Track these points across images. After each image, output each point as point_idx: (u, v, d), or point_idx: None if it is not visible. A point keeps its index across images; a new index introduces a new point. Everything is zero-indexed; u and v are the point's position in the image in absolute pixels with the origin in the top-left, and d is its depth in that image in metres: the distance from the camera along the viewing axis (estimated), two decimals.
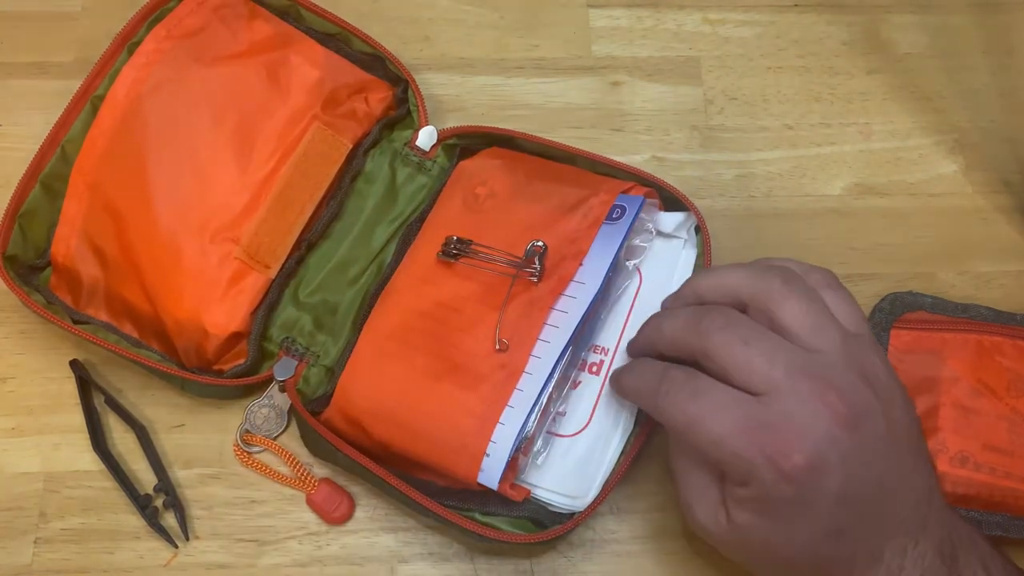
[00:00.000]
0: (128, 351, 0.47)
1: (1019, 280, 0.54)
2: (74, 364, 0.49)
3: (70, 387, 0.48)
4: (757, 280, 0.39)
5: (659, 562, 0.47)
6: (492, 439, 0.42)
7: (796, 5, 0.60)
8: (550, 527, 0.44)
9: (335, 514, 0.46)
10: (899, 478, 0.37)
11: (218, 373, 0.47)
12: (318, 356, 0.48)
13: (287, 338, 0.48)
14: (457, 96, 0.57)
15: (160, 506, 0.47)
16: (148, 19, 0.50)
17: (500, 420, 0.43)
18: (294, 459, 0.47)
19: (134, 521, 0.47)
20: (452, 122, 0.55)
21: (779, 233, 0.54)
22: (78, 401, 0.48)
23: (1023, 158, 0.57)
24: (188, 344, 0.46)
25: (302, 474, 0.47)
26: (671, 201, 0.50)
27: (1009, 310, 0.50)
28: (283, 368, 0.47)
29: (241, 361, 0.47)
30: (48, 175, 0.49)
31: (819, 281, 0.39)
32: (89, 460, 0.47)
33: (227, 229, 0.47)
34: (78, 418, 0.48)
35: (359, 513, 0.47)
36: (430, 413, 0.43)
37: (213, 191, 0.47)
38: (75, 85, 0.54)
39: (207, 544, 0.46)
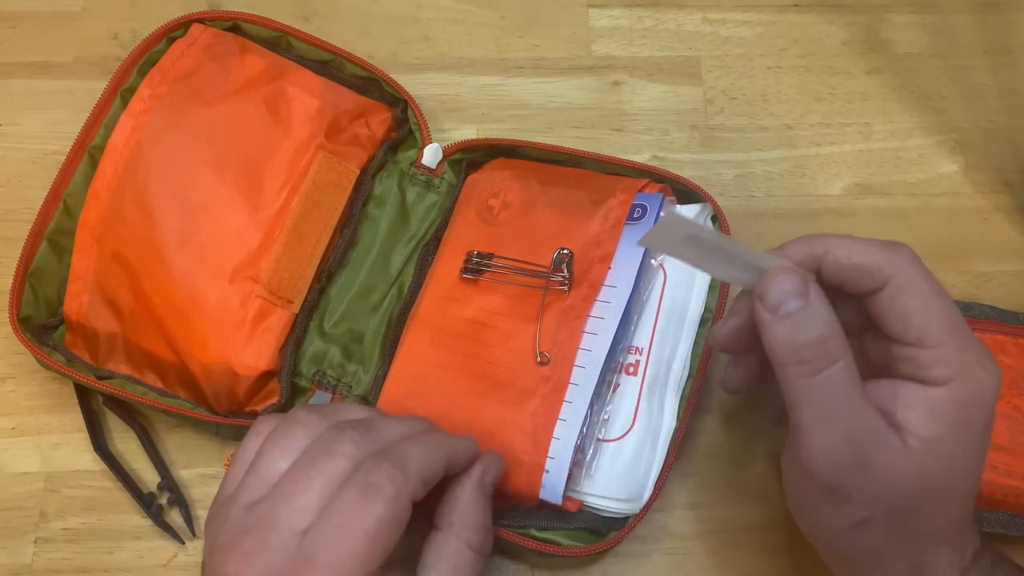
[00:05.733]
0: (158, 401, 0.46)
1: (1019, 280, 0.54)
2: None
3: (70, 387, 0.48)
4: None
5: (659, 562, 0.47)
6: (549, 455, 0.42)
7: (796, 5, 0.60)
8: (606, 533, 0.44)
9: None
10: None
11: (252, 414, 0.46)
12: (351, 386, 0.48)
13: (318, 371, 0.48)
14: (457, 96, 0.56)
15: (164, 504, 0.47)
16: (137, 64, 0.50)
17: (554, 435, 0.43)
18: None
19: (134, 521, 0.47)
20: (453, 122, 0.56)
21: (779, 233, 0.54)
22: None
23: (1023, 158, 0.57)
24: (218, 388, 0.46)
25: None
26: (683, 194, 0.50)
27: (1010, 309, 0.50)
28: (318, 403, 0.47)
29: (274, 400, 0.46)
30: (53, 231, 0.48)
31: None
32: (89, 460, 0.47)
33: (245, 268, 0.46)
34: (78, 418, 0.48)
35: None
36: (478, 432, 0.42)
37: (226, 232, 0.47)
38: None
39: None
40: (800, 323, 0.35)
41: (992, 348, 0.48)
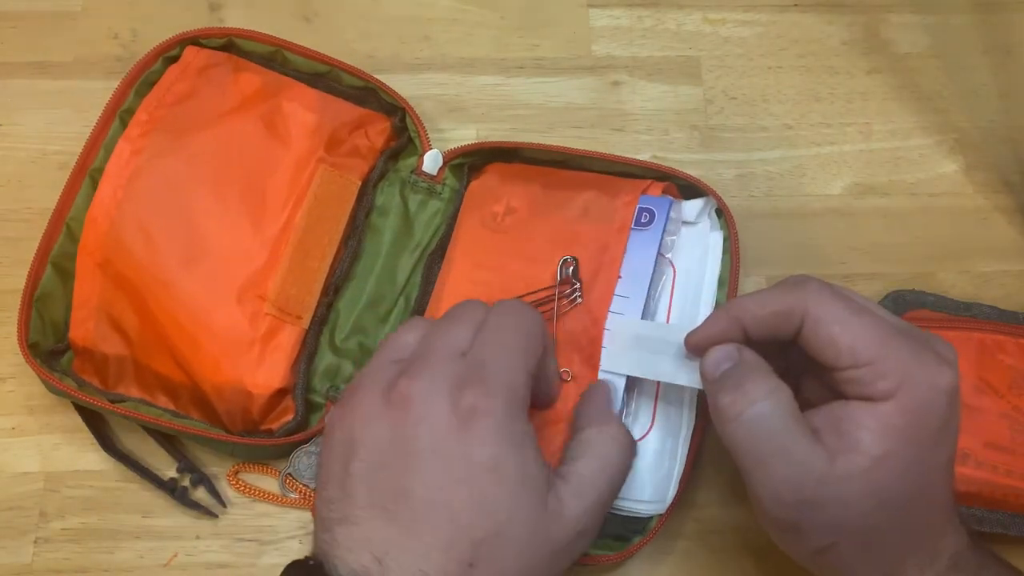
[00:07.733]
0: (172, 423, 0.45)
1: (1020, 280, 0.54)
2: None
3: None
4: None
5: (657, 561, 0.47)
6: None
7: (796, 5, 0.60)
8: (631, 538, 0.44)
9: None
10: None
11: (267, 433, 0.46)
12: None
13: (331, 387, 0.48)
14: (457, 96, 0.56)
15: (188, 485, 0.47)
16: (134, 85, 0.49)
17: None
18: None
19: (135, 520, 0.47)
20: (453, 122, 0.56)
21: (779, 233, 0.54)
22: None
23: (1023, 158, 0.57)
24: (232, 408, 0.45)
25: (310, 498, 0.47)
26: (686, 189, 0.50)
27: (1010, 309, 0.50)
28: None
29: (289, 418, 0.46)
30: (57, 255, 0.47)
31: None
32: (89, 460, 0.47)
33: (253, 287, 0.46)
34: (78, 418, 0.47)
35: None
36: None
37: (231, 252, 0.46)
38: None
39: (208, 543, 0.46)
40: (723, 380, 0.37)
41: (992, 348, 0.48)
